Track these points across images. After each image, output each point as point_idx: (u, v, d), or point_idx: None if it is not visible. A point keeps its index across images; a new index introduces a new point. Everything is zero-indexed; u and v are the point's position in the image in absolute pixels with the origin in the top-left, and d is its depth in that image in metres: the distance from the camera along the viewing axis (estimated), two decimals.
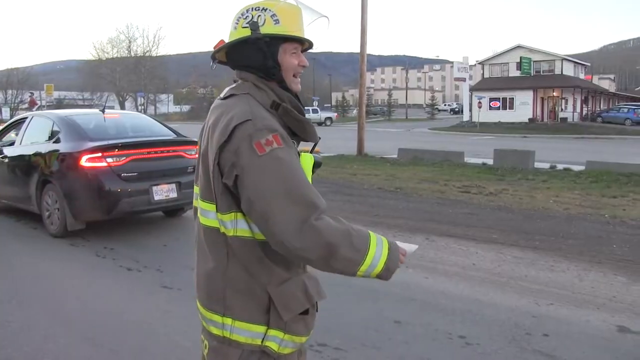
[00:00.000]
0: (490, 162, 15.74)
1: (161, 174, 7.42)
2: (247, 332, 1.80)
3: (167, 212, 8.42)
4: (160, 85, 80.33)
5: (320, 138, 1.96)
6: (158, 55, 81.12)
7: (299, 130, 1.82)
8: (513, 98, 49.44)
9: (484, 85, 52.55)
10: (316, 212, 1.65)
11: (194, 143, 8.18)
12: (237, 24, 1.84)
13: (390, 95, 79.38)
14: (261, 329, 1.79)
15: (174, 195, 7.47)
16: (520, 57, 49.94)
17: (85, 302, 4.94)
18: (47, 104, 47.60)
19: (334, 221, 1.68)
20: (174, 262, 6.12)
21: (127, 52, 79.16)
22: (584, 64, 60.37)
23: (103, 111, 8.18)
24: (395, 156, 18.00)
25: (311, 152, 1.92)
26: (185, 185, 7.59)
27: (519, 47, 53.27)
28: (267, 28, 1.79)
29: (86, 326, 4.39)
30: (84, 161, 6.88)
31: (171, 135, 8.25)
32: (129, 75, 75.49)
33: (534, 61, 50.79)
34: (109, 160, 6.96)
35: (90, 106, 51.98)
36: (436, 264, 6.00)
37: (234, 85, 1.90)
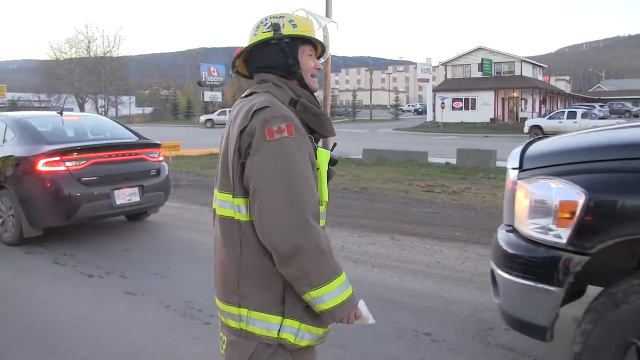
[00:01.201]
0: (453, 161, 15.93)
1: (123, 177, 7.29)
2: (263, 323, 1.81)
3: (130, 216, 8.28)
4: (121, 87, 78.92)
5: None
6: (119, 56, 79.68)
7: (316, 126, 1.94)
8: (475, 99, 50.26)
9: (447, 86, 53.29)
10: (304, 211, 1.72)
11: (156, 146, 8.08)
12: (257, 30, 1.99)
13: (355, 96, 79.67)
14: (277, 319, 1.81)
15: (136, 199, 7.36)
16: (482, 59, 50.82)
17: (45, 311, 4.80)
18: (0, 105, 46.28)
19: (321, 236, 1.75)
20: (137, 267, 6.02)
21: (86, 52, 77.44)
22: (542, 66, 61.77)
23: (61, 113, 7.99)
24: (361, 157, 18.07)
25: (332, 150, 2.03)
26: (148, 189, 7.48)
27: (480, 49, 54.19)
28: (287, 30, 1.96)
29: (46, 336, 4.27)
30: (42, 165, 6.70)
31: (133, 138, 8.12)
32: (89, 76, 73.89)
33: (495, 63, 51.73)
34: (68, 164, 6.80)
35: (47, 108, 50.83)
36: (402, 263, 6.04)
37: (258, 86, 2.00)
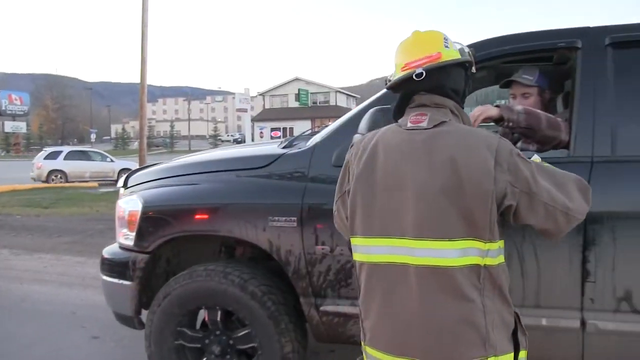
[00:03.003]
0: None
1: None
2: None
3: None
4: None
5: None
6: None
7: None
8: (293, 127, 52.03)
9: (265, 115, 54.62)
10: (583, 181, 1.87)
11: None
12: (447, 43, 1.87)
13: (172, 126, 78.37)
14: (510, 357, 1.73)
15: None
16: (299, 89, 52.97)
17: None
18: None
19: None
20: None
21: None
22: (355, 96, 66.06)
23: None
24: None
25: None
26: None
27: (297, 79, 56.48)
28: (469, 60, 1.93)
29: None
30: None
31: None
32: None
33: (311, 93, 54.17)
34: None
35: None
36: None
37: (431, 110, 1.82)
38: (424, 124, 1.76)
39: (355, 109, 3.04)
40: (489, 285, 1.69)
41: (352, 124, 2.74)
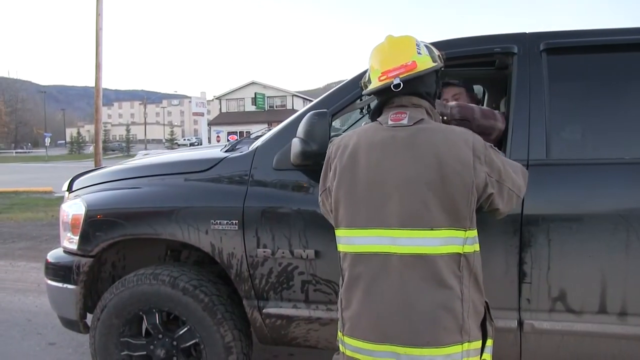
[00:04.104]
0: None
1: None
2: (476, 352, 1.81)
3: None
4: None
5: None
6: None
7: None
8: (249, 131, 51.73)
9: (222, 119, 54.29)
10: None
11: None
12: (419, 50, 1.97)
13: (128, 130, 77.10)
14: (479, 344, 1.83)
15: None
16: (255, 93, 52.80)
17: None
18: None
19: None
20: None
21: None
22: (311, 100, 65.98)
23: None
24: None
25: None
26: None
27: (253, 83, 56.31)
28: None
29: None
30: None
31: None
32: None
33: (267, 97, 54.05)
34: None
35: None
36: None
37: (409, 109, 1.94)
38: (405, 121, 1.89)
39: (293, 115, 3.10)
40: (467, 274, 1.79)
41: (291, 129, 2.82)
